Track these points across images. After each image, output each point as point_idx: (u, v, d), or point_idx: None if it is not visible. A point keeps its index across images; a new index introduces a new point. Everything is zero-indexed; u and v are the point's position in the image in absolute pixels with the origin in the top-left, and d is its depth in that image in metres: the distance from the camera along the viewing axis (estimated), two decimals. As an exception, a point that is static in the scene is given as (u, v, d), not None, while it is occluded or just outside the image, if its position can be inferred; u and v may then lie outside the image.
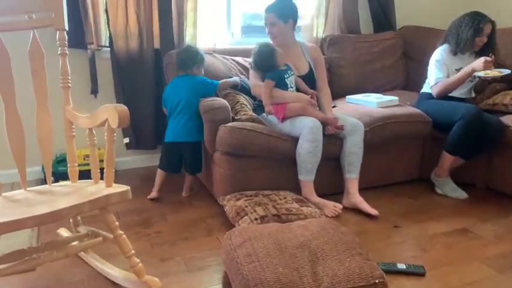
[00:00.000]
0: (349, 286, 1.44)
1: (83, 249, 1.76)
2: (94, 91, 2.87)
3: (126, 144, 2.97)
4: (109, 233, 1.56)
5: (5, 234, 1.26)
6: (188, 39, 2.94)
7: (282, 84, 2.44)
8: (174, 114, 2.49)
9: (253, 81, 2.55)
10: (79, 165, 1.78)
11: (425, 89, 2.92)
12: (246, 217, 2.03)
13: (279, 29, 2.55)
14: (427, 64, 2.86)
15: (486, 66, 2.53)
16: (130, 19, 2.77)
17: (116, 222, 1.53)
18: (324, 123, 2.38)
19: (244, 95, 2.66)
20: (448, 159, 2.60)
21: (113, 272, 1.69)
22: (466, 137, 2.50)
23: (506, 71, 2.57)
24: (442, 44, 2.82)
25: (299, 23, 2.78)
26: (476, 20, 2.65)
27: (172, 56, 2.69)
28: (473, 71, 2.58)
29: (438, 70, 2.74)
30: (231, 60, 2.91)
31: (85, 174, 1.86)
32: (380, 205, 2.37)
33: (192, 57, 2.52)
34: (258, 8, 3.13)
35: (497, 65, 2.66)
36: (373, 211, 2.29)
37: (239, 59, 2.95)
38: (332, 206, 2.30)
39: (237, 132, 2.24)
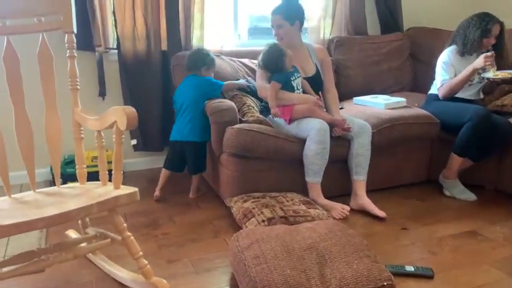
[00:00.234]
0: (357, 288, 1.43)
1: (91, 251, 1.77)
2: (102, 93, 2.89)
3: (133, 146, 2.99)
4: (117, 235, 1.57)
5: (15, 235, 1.27)
6: (195, 41, 2.95)
7: (288, 87, 2.44)
8: (180, 114, 2.50)
9: (260, 82, 2.55)
10: (87, 166, 1.79)
11: (433, 90, 2.89)
12: (253, 219, 2.03)
13: (285, 31, 2.55)
14: (435, 65, 2.84)
15: (487, 62, 2.50)
16: (138, 21, 2.79)
17: (124, 224, 1.54)
18: (332, 125, 2.37)
19: (251, 97, 2.66)
20: (456, 161, 2.58)
21: (121, 273, 1.70)
22: (475, 139, 2.49)
23: None
24: (450, 45, 2.80)
25: (306, 24, 2.78)
26: (485, 20, 2.63)
27: (179, 58, 2.70)
28: (475, 69, 2.56)
29: (445, 72, 2.73)
30: (238, 62, 2.91)
31: (93, 176, 1.86)
32: (387, 207, 2.36)
33: (201, 59, 2.53)
34: (265, 10, 3.14)
35: (507, 66, 2.64)
36: (381, 213, 2.29)
37: (246, 60, 2.95)
38: (340, 208, 2.30)
39: (244, 134, 2.24)
